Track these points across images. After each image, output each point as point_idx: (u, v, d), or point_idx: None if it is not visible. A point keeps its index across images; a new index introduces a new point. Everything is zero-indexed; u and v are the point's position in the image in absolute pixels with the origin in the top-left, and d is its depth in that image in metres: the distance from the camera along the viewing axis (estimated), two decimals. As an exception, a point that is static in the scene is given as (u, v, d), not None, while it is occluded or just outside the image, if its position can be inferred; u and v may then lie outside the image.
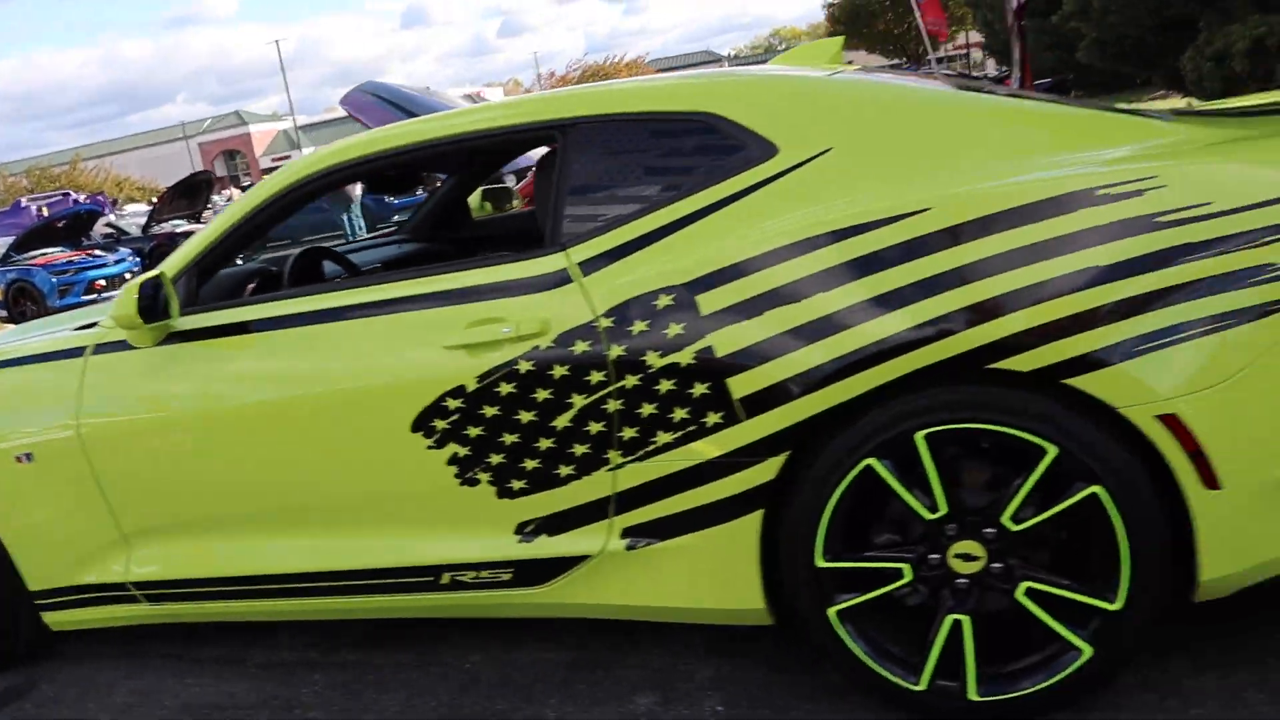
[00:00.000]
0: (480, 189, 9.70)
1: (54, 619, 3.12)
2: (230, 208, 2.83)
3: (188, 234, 15.90)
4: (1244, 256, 1.98)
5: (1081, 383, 2.02)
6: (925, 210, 2.11)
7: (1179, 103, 10.80)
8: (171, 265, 2.82)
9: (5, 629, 3.18)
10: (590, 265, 2.37)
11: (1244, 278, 1.98)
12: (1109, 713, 2.25)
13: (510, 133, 2.59)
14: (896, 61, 34.48)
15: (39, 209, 21.53)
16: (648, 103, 2.47)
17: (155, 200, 18.65)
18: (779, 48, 73.17)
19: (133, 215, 23.64)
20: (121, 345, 2.84)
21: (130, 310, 2.65)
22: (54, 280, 14.53)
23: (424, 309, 2.50)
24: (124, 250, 16.27)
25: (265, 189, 2.77)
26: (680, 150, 2.41)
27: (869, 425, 2.14)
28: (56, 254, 15.36)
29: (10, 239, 16.70)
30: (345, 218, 16.28)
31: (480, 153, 3.59)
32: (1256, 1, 8.84)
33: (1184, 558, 2.12)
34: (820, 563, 2.23)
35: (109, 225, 19.27)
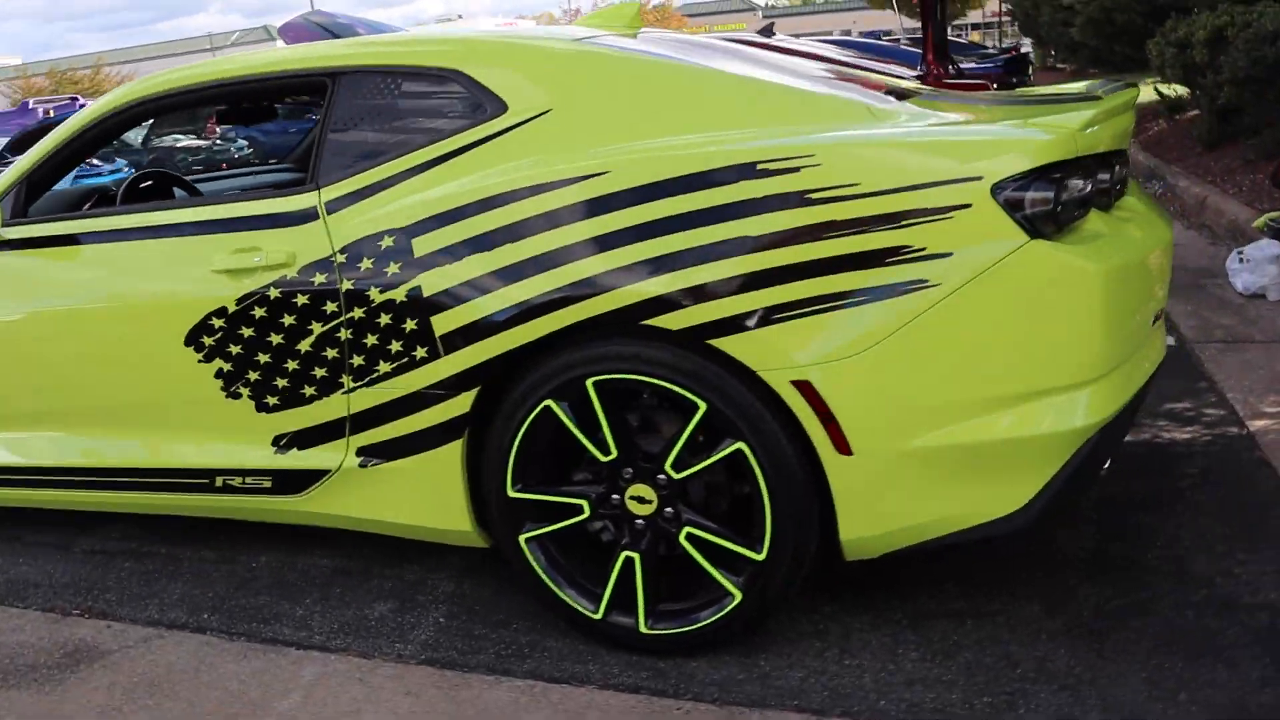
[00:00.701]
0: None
1: None
2: (57, 130, 3.06)
3: (188, 149, 15.98)
4: (884, 237, 2.12)
5: (724, 344, 2.20)
6: (605, 173, 2.30)
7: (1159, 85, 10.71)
8: (1, 181, 3.06)
9: None
10: (335, 205, 2.59)
11: (882, 257, 2.13)
12: (773, 658, 2.44)
13: (289, 77, 2.81)
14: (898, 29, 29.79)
15: (46, 111, 21.67)
16: (404, 58, 2.67)
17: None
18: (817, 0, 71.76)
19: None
20: None
21: None
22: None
23: (203, 234, 2.74)
24: (121, 161, 16.35)
25: (87, 115, 3.00)
26: (427, 103, 2.63)
27: (547, 370, 2.35)
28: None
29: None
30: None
31: (271, 95, 3.62)
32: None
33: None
34: (511, 492, 2.46)
35: (112, 135, 19.36)
